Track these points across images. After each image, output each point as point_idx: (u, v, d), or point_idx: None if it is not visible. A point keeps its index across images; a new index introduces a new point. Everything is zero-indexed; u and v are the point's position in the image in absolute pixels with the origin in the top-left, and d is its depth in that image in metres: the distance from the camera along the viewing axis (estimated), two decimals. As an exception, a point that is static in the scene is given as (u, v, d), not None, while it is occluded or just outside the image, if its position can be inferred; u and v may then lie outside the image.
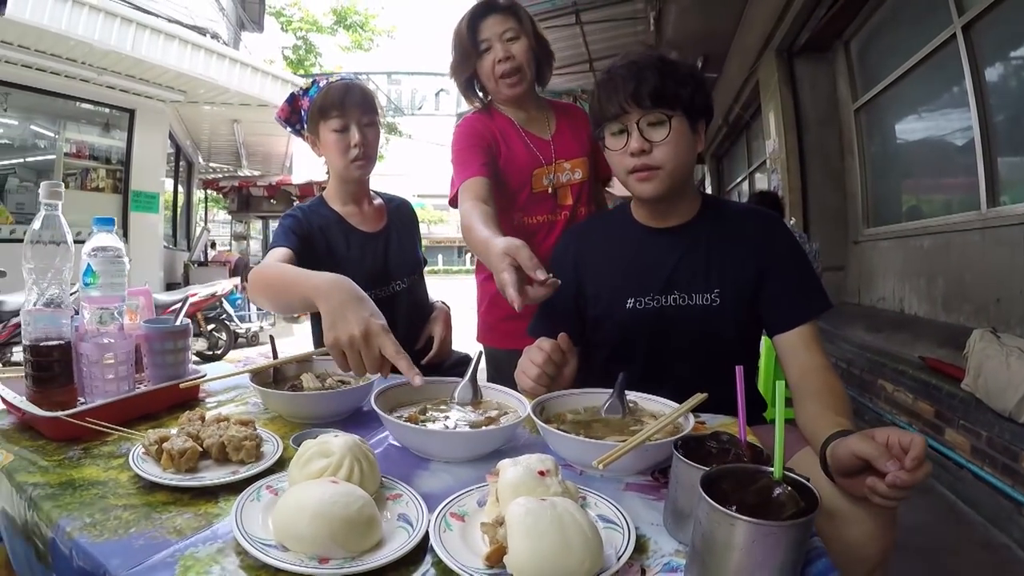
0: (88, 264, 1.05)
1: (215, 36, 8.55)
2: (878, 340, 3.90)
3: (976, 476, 2.53)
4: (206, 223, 12.57)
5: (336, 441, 0.72)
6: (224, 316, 6.47)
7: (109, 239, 1.07)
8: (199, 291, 5.83)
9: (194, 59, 6.63)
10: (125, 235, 6.85)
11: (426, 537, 0.63)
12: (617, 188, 1.71)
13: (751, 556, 0.52)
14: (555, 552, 0.55)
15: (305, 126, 1.56)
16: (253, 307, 7.65)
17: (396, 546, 0.61)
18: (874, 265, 4.88)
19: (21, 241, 0.99)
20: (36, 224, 0.98)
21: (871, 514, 0.84)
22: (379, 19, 17.00)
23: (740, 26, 6.47)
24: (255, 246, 12.62)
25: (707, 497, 0.54)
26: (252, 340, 7.07)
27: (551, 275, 1.02)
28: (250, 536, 0.61)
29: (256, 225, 12.47)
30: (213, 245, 11.56)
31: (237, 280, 6.80)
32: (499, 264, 1.01)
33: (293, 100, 1.57)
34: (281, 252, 1.37)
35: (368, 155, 1.53)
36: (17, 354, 4.58)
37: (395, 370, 0.93)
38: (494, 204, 1.45)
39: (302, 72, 14.01)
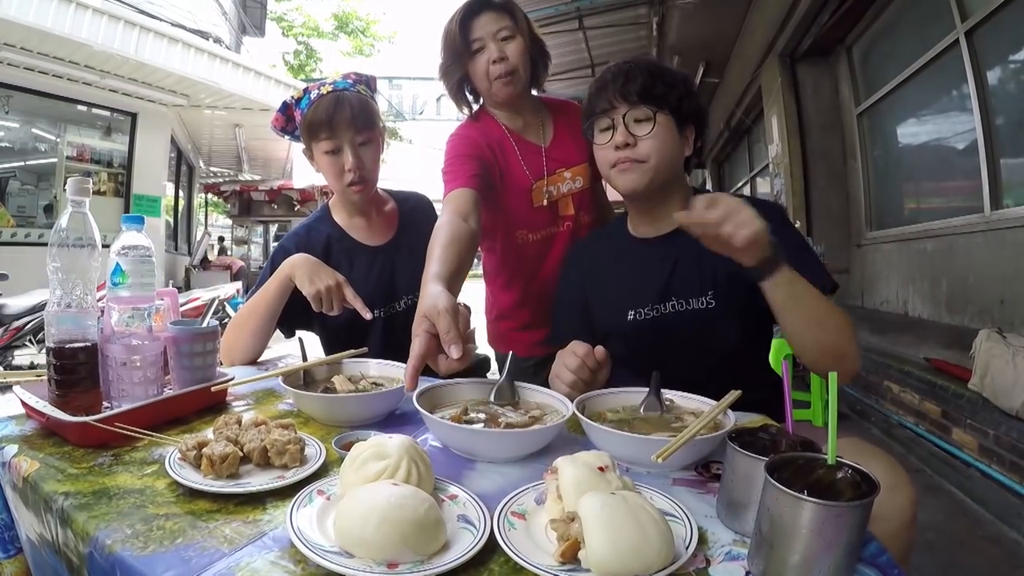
0: (117, 263, 1.02)
1: (218, 40, 8.56)
2: (883, 342, 3.90)
3: (984, 474, 2.55)
4: (206, 227, 12.54)
5: (391, 442, 0.70)
6: (226, 320, 6.42)
7: (138, 238, 1.04)
8: (201, 295, 5.80)
9: (197, 63, 6.65)
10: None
11: (491, 537, 0.62)
12: None
13: (821, 536, 0.54)
14: (634, 544, 0.55)
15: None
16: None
17: (464, 547, 0.60)
18: (877, 268, 4.89)
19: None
20: (63, 222, 0.94)
21: (893, 513, 0.86)
22: (380, 25, 17.11)
23: (742, 31, 6.50)
24: (256, 251, 12.58)
25: (776, 483, 0.56)
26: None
27: (473, 345, 0.93)
28: (310, 543, 0.59)
29: (257, 229, 12.45)
30: (222, 245, 11.43)
31: (239, 284, 6.76)
32: (415, 327, 0.93)
33: (286, 109, 1.45)
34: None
35: (365, 178, 1.40)
36: (19, 358, 4.53)
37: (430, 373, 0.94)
38: (477, 218, 1.34)
39: (303, 77, 14.00)
